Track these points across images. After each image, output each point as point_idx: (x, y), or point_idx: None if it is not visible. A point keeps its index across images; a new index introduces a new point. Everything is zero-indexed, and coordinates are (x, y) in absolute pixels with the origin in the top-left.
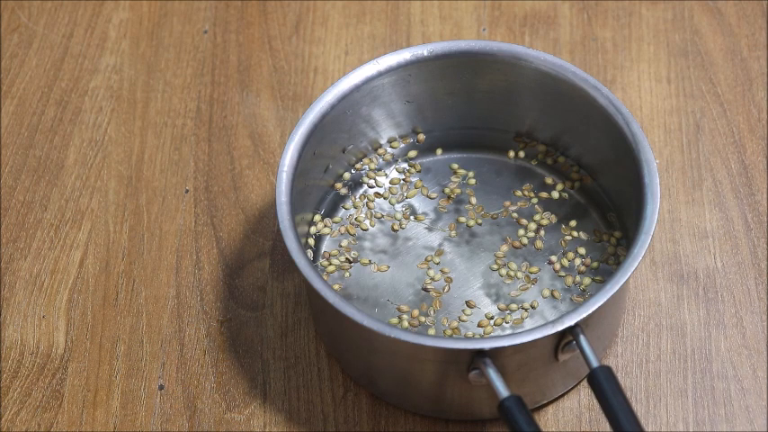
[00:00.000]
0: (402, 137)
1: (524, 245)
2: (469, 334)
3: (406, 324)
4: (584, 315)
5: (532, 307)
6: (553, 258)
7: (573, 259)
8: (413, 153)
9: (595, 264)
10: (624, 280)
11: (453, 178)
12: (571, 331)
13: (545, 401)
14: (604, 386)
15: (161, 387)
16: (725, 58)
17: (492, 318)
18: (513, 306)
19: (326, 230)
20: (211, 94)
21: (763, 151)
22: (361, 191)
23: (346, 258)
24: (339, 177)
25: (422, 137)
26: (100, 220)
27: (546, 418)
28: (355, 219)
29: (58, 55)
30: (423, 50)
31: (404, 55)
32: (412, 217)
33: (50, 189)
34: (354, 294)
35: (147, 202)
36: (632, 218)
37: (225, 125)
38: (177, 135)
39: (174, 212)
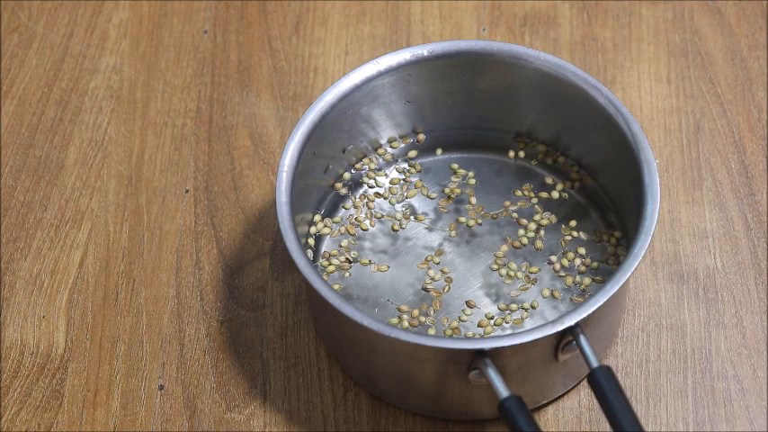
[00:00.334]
0: (402, 137)
1: (524, 245)
2: (469, 334)
3: (406, 324)
4: (584, 315)
5: (532, 307)
6: (553, 258)
7: (573, 259)
8: (413, 153)
9: (595, 264)
10: (624, 280)
11: (453, 178)
12: (571, 331)
13: (545, 401)
14: (604, 386)
15: (161, 387)
16: (725, 58)
17: (492, 318)
18: (513, 306)
19: (326, 230)
20: (211, 94)
21: (763, 151)
22: (361, 191)
23: (346, 258)
24: (339, 177)
25: (422, 137)
26: (100, 220)
27: (546, 418)
28: (355, 219)
29: (58, 55)
30: (423, 50)
31: (404, 55)
32: (412, 217)
33: (50, 189)
34: (354, 294)
35: (147, 202)
36: (632, 218)
37: (225, 125)
38: (177, 135)
39: (174, 212)
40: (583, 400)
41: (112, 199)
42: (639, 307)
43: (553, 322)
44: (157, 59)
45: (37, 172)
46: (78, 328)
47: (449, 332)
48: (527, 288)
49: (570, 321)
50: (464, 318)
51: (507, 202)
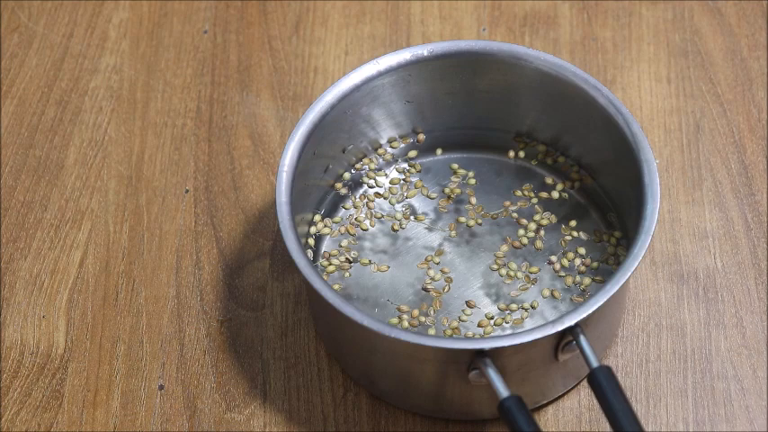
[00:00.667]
0: (402, 137)
1: (524, 245)
2: (469, 334)
3: (406, 324)
4: (584, 315)
5: (532, 307)
6: (553, 258)
7: (573, 259)
8: (413, 153)
9: (595, 264)
10: (624, 280)
11: (453, 178)
12: (571, 331)
13: (545, 401)
14: (604, 386)
15: (161, 387)
16: (725, 58)
17: (492, 318)
18: (513, 306)
19: (326, 230)
20: (211, 94)
21: (763, 151)
22: (361, 191)
23: (346, 258)
24: (339, 177)
25: (422, 137)
26: (100, 220)
27: (546, 418)
28: (355, 219)
29: (58, 55)
30: (423, 50)
31: (404, 55)
32: (412, 217)
33: (50, 189)
34: (354, 294)
35: (147, 202)
36: (632, 218)
37: (225, 125)
38: (177, 135)
39: (174, 212)
40: (583, 400)
41: (112, 199)
42: (639, 307)
43: (553, 322)
44: (157, 59)
45: (37, 172)
46: (78, 328)
47: (449, 332)
48: (527, 288)
49: (570, 321)
50: (464, 318)
51: (507, 202)
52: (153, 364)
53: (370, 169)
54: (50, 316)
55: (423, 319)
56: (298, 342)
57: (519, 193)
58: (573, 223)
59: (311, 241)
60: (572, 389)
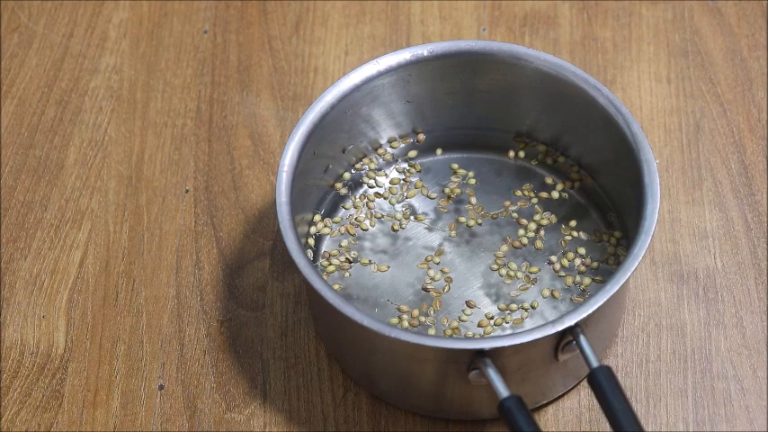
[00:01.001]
0: (402, 137)
1: (524, 245)
2: (469, 334)
3: (406, 324)
4: (584, 315)
5: (532, 307)
6: (553, 258)
7: (573, 259)
8: (413, 153)
9: (595, 264)
10: (624, 280)
11: (453, 178)
12: (571, 331)
13: (545, 401)
14: (604, 386)
15: (161, 387)
16: (725, 58)
17: (492, 318)
18: (513, 306)
19: (326, 230)
20: (211, 94)
21: (763, 151)
22: (361, 191)
23: (346, 258)
24: (339, 177)
25: (422, 137)
26: (100, 220)
27: (546, 418)
28: (355, 219)
29: (58, 55)
30: (423, 50)
31: (404, 55)
32: (412, 217)
33: (50, 189)
34: (354, 294)
35: (147, 202)
36: (632, 218)
37: (225, 125)
38: (177, 135)
39: (174, 212)
40: (583, 400)
41: (112, 199)
42: (639, 307)
43: (553, 322)
44: (157, 59)
45: (37, 172)
46: (78, 328)
47: (449, 332)
48: (527, 288)
49: (570, 321)
50: (464, 318)
51: (507, 202)
52: (153, 364)
53: (370, 169)
54: (50, 316)
55: (423, 319)
56: (298, 342)
57: (519, 193)
58: (573, 223)
59: (311, 241)
60: (572, 389)
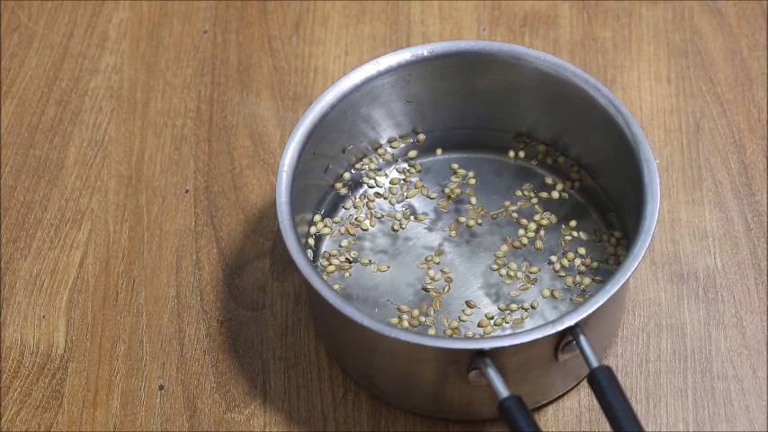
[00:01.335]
0: (402, 137)
1: (524, 245)
2: (469, 334)
3: (406, 324)
4: (584, 315)
5: (532, 307)
6: (553, 258)
7: (573, 259)
8: (413, 153)
9: (595, 264)
10: (624, 280)
11: (453, 178)
12: (571, 331)
13: (545, 401)
14: (604, 386)
15: (161, 387)
16: (725, 58)
17: (492, 318)
18: (513, 306)
19: (326, 230)
20: (211, 94)
21: (763, 151)
22: (361, 191)
23: (346, 258)
24: (339, 177)
25: (422, 137)
26: (100, 220)
27: (546, 418)
28: (355, 219)
29: (58, 55)
30: (423, 50)
31: (404, 55)
32: (412, 217)
33: (50, 189)
34: (354, 294)
35: (147, 202)
36: (632, 218)
37: (225, 125)
38: (177, 135)
39: (174, 212)
40: (583, 400)
41: (112, 199)
42: (639, 307)
43: (553, 322)
44: (157, 59)
45: (37, 172)
46: (78, 328)
47: (449, 332)
48: (527, 288)
49: (570, 321)
50: (464, 318)
51: (507, 202)
52: (153, 364)
53: (370, 169)
54: (50, 316)
55: (423, 319)
56: (298, 342)
57: (519, 193)
58: (573, 223)
59: (311, 241)
60: (572, 389)
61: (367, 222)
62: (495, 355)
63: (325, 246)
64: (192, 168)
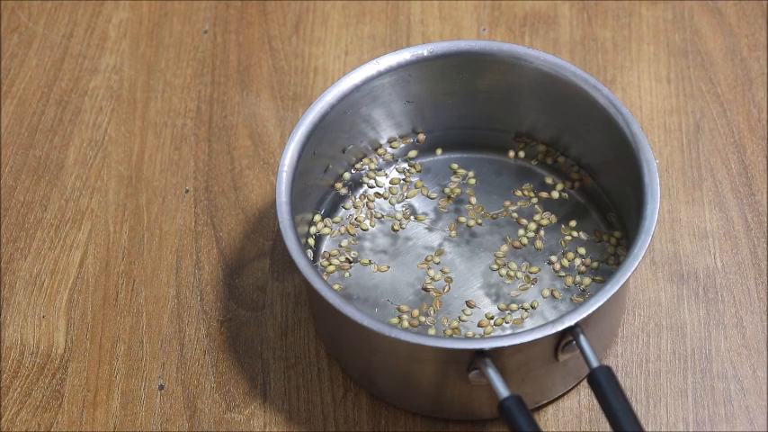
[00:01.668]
0: (402, 137)
1: (524, 245)
2: (469, 334)
3: (406, 324)
4: (584, 315)
5: (532, 307)
6: (553, 258)
7: (573, 259)
8: (413, 153)
9: (595, 264)
10: (624, 280)
11: (453, 178)
12: (571, 331)
13: (545, 401)
14: (604, 386)
15: (161, 387)
16: (725, 58)
17: (492, 318)
18: (513, 306)
19: (326, 230)
20: (211, 94)
21: (763, 151)
22: (361, 191)
23: (346, 258)
24: (339, 177)
25: (422, 137)
26: (100, 220)
27: (546, 418)
28: (355, 219)
29: (58, 55)
30: (423, 50)
31: (404, 55)
32: (412, 217)
33: (50, 189)
34: (354, 294)
35: (147, 202)
36: (632, 218)
37: (225, 125)
38: (177, 135)
39: (174, 212)
40: (583, 400)
41: (112, 199)
42: (639, 307)
43: (553, 322)
44: (157, 59)
45: (37, 172)
46: (78, 328)
47: (449, 332)
48: (527, 288)
49: (570, 321)
50: (464, 318)
51: (507, 202)
52: (153, 364)
53: (370, 169)
54: (50, 316)
55: (423, 319)
56: (298, 342)
57: (519, 193)
58: (573, 223)
59: (311, 241)
60: (572, 389)
61: (367, 222)
62: (495, 355)
63: (325, 246)
64: (191, 168)
